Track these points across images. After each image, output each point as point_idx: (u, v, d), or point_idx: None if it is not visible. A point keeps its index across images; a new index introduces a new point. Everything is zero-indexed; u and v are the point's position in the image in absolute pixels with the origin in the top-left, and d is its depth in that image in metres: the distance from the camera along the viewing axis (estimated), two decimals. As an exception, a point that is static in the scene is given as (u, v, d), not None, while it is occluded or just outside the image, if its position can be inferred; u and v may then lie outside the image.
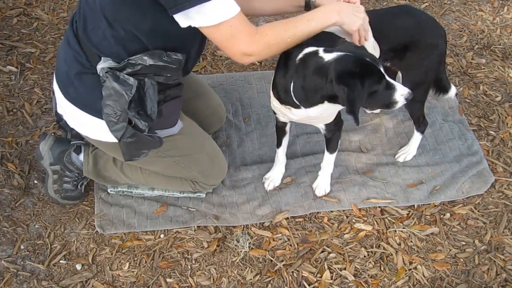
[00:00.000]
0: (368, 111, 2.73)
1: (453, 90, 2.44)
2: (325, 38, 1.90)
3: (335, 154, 2.30)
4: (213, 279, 2.13)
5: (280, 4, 2.14)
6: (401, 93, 1.80)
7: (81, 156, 2.26)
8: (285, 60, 1.92)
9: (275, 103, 2.04)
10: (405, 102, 1.82)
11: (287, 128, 2.30)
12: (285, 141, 2.34)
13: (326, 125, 2.12)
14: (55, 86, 1.99)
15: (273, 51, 1.85)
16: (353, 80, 1.72)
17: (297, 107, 1.94)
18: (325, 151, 2.28)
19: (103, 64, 1.80)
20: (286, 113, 2.03)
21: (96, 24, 1.78)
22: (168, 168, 2.20)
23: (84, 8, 1.82)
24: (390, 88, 1.80)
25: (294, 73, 1.86)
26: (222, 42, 1.77)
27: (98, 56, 1.82)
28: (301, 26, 1.84)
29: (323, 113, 1.97)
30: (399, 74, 2.31)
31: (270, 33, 1.80)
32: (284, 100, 1.97)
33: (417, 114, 2.41)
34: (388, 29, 2.10)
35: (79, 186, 2.30)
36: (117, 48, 1.79)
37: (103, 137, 1.97)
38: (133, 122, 1.83)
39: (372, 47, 2.03)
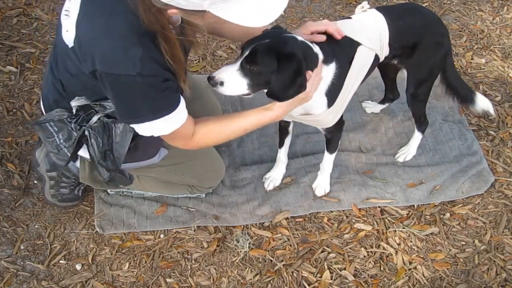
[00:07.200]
0: (368, 111, 2.73)
1: (481, 100, 2.39)
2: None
3: (334, 154, 2.30)
4: (213, 279, 2.13)
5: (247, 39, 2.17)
6: None
7: (78, 163, 2.23)
8: None
9: None
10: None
11: (290, 128, 2.29)
12: (287, 141, 2.34)
13: None
14: (41, 104, 2.01)
15: (210, 145, 1.96)
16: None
17: None
18: (325, 151, 2.28)
19: (76, 103, 1.82)
20: None
21: (64, 67, 1.75)
22: (162, 175, 2.21)
23: (55, 45, 1.80)
24: None
25: None
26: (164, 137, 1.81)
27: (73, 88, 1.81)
28: (235, 129, 1.87)
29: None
30: (404, 71, 2.30)
31: (205, 135, 1.84)
32: None
33: (419, 113, 2.41)
34: (399, 26, 2.09)
35: (76, 191, 2.29)
36: (85, 92, 1.79)
37: (83, 154, 2.01)
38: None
39: (385, 47, 2.05)
